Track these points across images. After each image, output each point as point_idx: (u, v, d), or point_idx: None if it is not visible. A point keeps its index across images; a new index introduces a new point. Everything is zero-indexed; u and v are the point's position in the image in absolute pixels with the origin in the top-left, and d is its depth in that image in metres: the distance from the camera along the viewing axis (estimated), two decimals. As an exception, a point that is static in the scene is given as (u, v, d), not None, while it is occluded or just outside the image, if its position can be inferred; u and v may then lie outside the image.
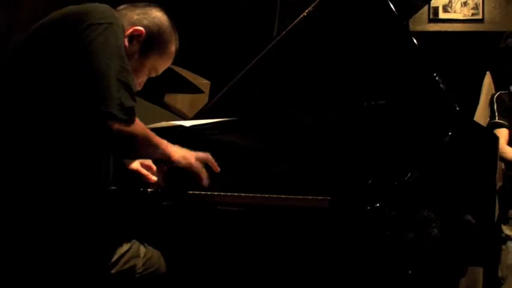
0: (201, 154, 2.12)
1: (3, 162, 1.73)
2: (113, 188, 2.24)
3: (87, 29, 1.75)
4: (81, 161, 1.83)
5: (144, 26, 2.06)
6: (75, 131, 1.75)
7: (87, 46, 1.73)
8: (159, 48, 2.11)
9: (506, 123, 3.80)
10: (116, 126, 1.70)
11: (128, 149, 1.89)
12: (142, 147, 1.89)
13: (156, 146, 1.94)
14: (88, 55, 1.72)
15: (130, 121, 1.75)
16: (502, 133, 3.81)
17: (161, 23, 2.11)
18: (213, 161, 2.15)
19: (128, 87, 1.75)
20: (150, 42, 2.08)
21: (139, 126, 1.82)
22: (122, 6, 2.13)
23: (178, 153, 2.04)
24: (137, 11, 2.09)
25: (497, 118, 3.86)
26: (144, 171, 2.31)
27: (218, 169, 2.16)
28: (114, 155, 2.06)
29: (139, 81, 2.14)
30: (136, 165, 2.32)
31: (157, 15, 2.12)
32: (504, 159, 3.80)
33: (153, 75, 2.18)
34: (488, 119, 4.00)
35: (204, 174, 2.11)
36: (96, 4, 1.89)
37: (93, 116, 1.70)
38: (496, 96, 4.02)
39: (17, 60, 1.84)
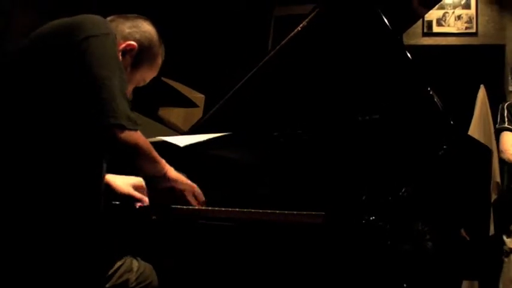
0: (190, 183, 2.12)
1: (3, 171, 1.73)
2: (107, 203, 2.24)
3: (86, 40, 1.76)
4: (83, 172, 1.83)
5: (136, 40, 2.10)
6: (79, 142, 1.77)
7: (87, 58, 1.74)
8: (149, 61, 2.17)
9: None
10: (123, 135, 1.73)
11: (131, 158, 1.89)
12: (143, 158, 1.89)
13: (155, 161, 1.94)
14: (90, 67, 1.73)
15: (136, 130, 1.78)
16: (509, 137, 3.88)
17: (151, 37, 2.16)
18: (199, 192, 2.14)
19: (127, 98, 1.78)
20: (141, 55, 2.12)
21: (142, 138, 1.84)
22: (111, 17, 2.15)
23: (174, 174, 2.03)
24: (128, 24, 2.12)
25: (506, 123, 3.92)
26: (137, 195, 2.30)
27: (203, 199, 2.15)
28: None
29: (128, 91, 2.16)
30: (127, 188, 2.31)
31: (148, 29, 2.16)
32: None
33: (141, 85, 2.23)
34: (497, 125, 4.05)
35: (193, 200, 2.11)
36: (91, 15, 1.90)
37: (103, 128, 1.72)
38: (507, 104, 4.08)
39: (13, 70, 1.84)
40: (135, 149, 1.81)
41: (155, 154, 1.93)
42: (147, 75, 2.21)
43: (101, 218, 1.94)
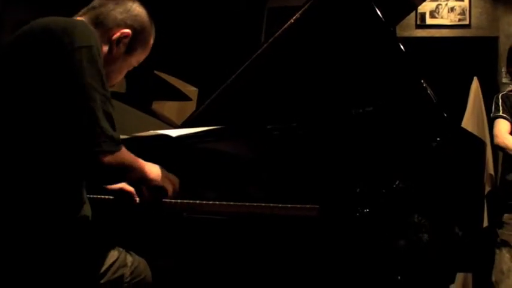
0: (172, 177, 2.15)
1: None
2: (95, 196, 2.25)
3: (77, 51, 1.73)
4: (66, 177, 1.82)
5: (129, 27, 2.07)
6: (62, 158, 1.75)
7: (71, 73, 1.72)
8: (142, 44, 2.15)
9: (509, 117, 3.87)
10: (107, 159, 1.72)
11: (117, 178, 1.97)
12: (128, 173, 1.91)
13: (138, 169, 1.96)
14: (73, 84, 1.71)
15: (118, 151, 1.77)
16: (504, 124, 3.88)
17: (142, 20, 2.13)
18: (177, 186, 2.17)
19: (109, 117, 1.76)
20: (135, 40, 2.10)
21: (126, 154, 1.85)
22: (98, 2, 2.11)
23: (154, 172, 2.06)
24: (119, 10, 2.08)
25: (501, 112, 3.93)
26: (130, 188, 2.30)
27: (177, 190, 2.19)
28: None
29: (122, 77, 2.19)
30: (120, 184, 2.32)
31: (139, 11, 2.13)
32: (504, 148, 3.85)
33: (135, 65, 2.22)
34: (492, 114, 4.05)
35: (171, 191, 2.14)
36: (80, 23, 1.88)
37: (88, 156, 1.71)
38: (502, 94, 4.07)
39: None
40: (120, 169, 1.83)
41: (137, 163, 1.95)
42: (140, 57, 2.19)
43: (86, 217, 1.94)
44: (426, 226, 2.11)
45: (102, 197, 2.31)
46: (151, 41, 2.21)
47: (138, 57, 2.17)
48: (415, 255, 2.06)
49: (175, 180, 2.17)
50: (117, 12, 2.08)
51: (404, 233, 2.00)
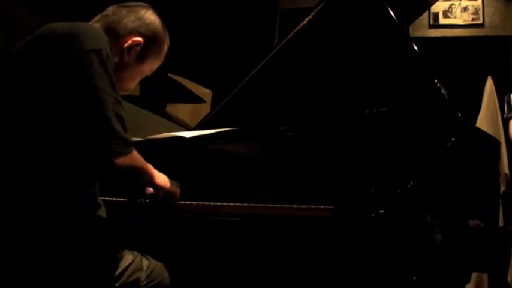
0: (175, 187, 2.18)
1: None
2: (108, 199, 2.26)
3: (86, 54, 1.74)
4: (80, 179, 1.84)
5: (141, 35, 2.07)
6: (76, 161, 1.76)
7: (82, 76, 1.73)
8: (155, 52, 2.14)
9: None
10: (120, 160, 1.74)
11: (129, 179, 1.95)
12: (139, 176, 1.93)
13: (148, 173, 1.99)
14: (84, 87, 1.72)
15: (130, 153, 1.79)
16: None
17: (155, 28, 2.12)
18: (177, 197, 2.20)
19: (121, 120, 1.77)
20: (147, 49, 2.09)
21: (137, 156, 1.87)
22: (113, 8, 2.12)
23: (161, 178, 2.08)
24: (132, 18, 2.08)
25: None
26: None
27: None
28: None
29: (134, 85, 2.20)
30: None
31: (152, 19, 2.12)
32: None
33: (149, 74, 2.22)
34: (505, 114, 4.05)
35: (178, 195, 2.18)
36: (87, 27, 1.89)
37: (100, 158, 1.73)
38: None
39: (5, 77, 1.83)
40: (131, 171, 1.84)
41: (147, 167, 1.97)
42: (153, 65, 2.19)
43: (100, 218, 1.95)
44: (440, 226, 2.11)
45: (115, 199, 2.32)
46: (165, 50, 2.20)
47: (150, 66, 2.17)
48: (430, 256, 2.05)
49: (178, 189, 2.19)
50: (130, 20, 2.07)
51: (419, 234, 2.00)
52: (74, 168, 1.77)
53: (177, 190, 2.17)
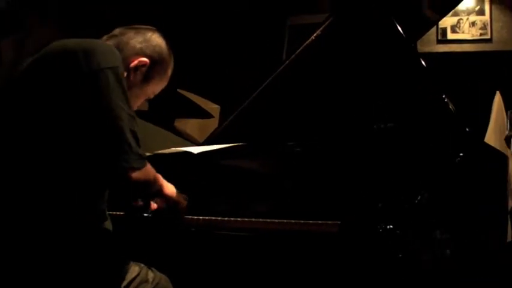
0: (182, 198, 2.21)
1: (9, 190, 1.74)
2: (117, 213, 2.27)
3: (102, 72, 1.77)
4: (92, 192, 1.87)
5: (147, 56, 2.11)
6: (91, 175, 1.80)
7: (98, 93, 1.75)
8: (159, 75, 2.18)
9: None
10: (135, 175, 1.78)
11: (142, 192, 2.06)
12: (150, 188, 1.98)
13: (158, 184, 2.04)
14: (101, 103, 1.75)
15: (145, 166, 1.83)
16: None
17: (161, 51, 2.16)
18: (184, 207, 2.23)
19: (135, 135, 1.80)
20: (152, 70, 2.13)
21: (151, 170, 1.92)
22: (121, 29, 2.16)
23: (169, 188, 2.13)
24: (139, 39, 2.12)
25: None
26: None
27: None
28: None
29: (138, 105, 2.23)
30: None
31: (158, 42, 2.16)
32: None
33: (151, 97, 2.26)
34: (508, 131, 4.04)
35: (185, 205, 2.21)
36: (103, 44, 1.93)
37: (115, 172, 1.77)
38: None
39: (16, 91, 1.85)
40: (145, 184, 1.89)
41: (158, 179, 2.03)
42: (157, 87, 2.22)
43: (107, 231, 1.96)
44: (449, 241, 2.11)
45: (120, 213, 2.33)
46: (169, 72, 2.24)
47: (154, 87, 2.20)
48: (439, 271, 2.05)
49: (185, 200, 2.22)
50: (137, 41, 2.12)
51: (427, 249, 1.99)
52: (89, 181, 1.81)
53: (183, 201, 2.20)
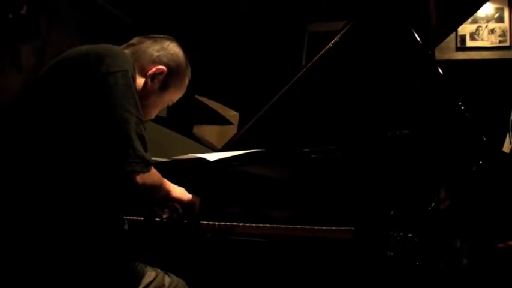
0: (194, 198, 2.24)
1: (21, 193, 1.76)
2: (132, 218, 2.29)
3: (112, 75, 1.80)
4: (102, 196, 1.87)
5: (164, 64, 2.14)
6: (97, 178, 1.81)
7: (111, 94, 1.78)
8: (176, 83, 2.23)
9: None
10: (139, 179, 1.79)
11: (147, 196, 2.06)
12: (157, 192, 2.01)
13: (164, 189, 2.07)
14: (108, 105, 1.78)
15: (149, 172, 1.84)
16: None
17: (179, 59, 2.20)
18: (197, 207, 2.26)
19: (142, 139, 1.82)
20: (169, 78, 2.18)
21: (155, 175, 1.94)
22: (139, 38, 2.19)
23: (177, 191, 2.16)
24: (156, 47, 2.16)
25: None
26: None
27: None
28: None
29: (155, 114, 2.27)
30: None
31: (176, 51, 2.20)
32: None
33: (169, 105, 2.31)
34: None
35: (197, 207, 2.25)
36: (116, 49, 1.95)
37: (120, 175, 1.78)
38: None
39: (33, 95, 1.88)
40: (150, 189, 1.89)
41: (164, 183, 2.06)
42: (174, 96, 2.27)
43: (123, 236, 1.98)
44: (466, 250, 2.10)
45: (138, 218, 2.35)
46: (186, 82, 2.28)
47: (171, 96, 2.25)
48: (456, 280, 2.04)
49: (197, 199, 2.24)
50: (154, 50, 2.16)
51: (442, 257, 1.99)
52: (97, 184, 1.82)
53: (195, 200, 2.22)
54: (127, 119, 1.77)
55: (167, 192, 2.08)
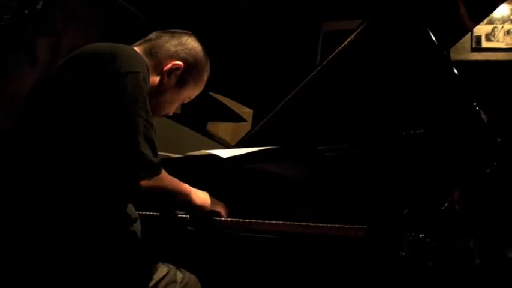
0: (219, 206, 2.23)
1: (30, 193, 1.74)
2: (147, 213, 2.29)
3: (124, 76, 1.78)
4: (110, 195, 1.86)
5: (181, 59, 2.11)
6: (106, 179, 1.79)
7: (116, 97, 1.77)
8: (194, 79, 2.19)
9: None
10: (145, 183, 1.77)
11: (158, 200, 2.05)
12: (171, 197, 1.99)
13: (182, 194, 2.03)
14: (117, 108, 1.76)
15: (157, 176, 1.82)
16: None
17: (197, 54, 2.17)
18: (224, 212, 2.24)
19: (152, 143, 1.79)
20: (186, 74, 2.15)
21: (166, 179, 1.90)
22: (157, 33, 2.18)
23: (201, 198, 2.13)
24: (174, 42, 2.13)
25: None
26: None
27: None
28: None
29: (174, 110, 2.24)
30: None
31: (194, 46, 2.17)
32: None
33: (186, 102, 2.26)
34: None
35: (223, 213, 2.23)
36: (128, 49, 1.93)
37: (127, 178, 1.77)
38: None
39: (45, 92, 1.87)
40: (159, 193, 1.88)
41: (182, 188, 2.03)
42: (193, 92, 2.24)
43: (135, 230, 1.98)
44: (478, 251, 2.10)
45: (152, 213, 2.35)
46: (205, 78, 2.25)
47: (190, 92, 2.21)
48: (468, 281, 2.04)
49: (223, 206, 2.23)
50: (172, 45, 2.13)
51: (457, 256, 1.99)
52: (106, 185, 1.79)
53: (221, 209, 2.21)
54: (135, 122, 1.75)
55: (186, 197, 2.05)
